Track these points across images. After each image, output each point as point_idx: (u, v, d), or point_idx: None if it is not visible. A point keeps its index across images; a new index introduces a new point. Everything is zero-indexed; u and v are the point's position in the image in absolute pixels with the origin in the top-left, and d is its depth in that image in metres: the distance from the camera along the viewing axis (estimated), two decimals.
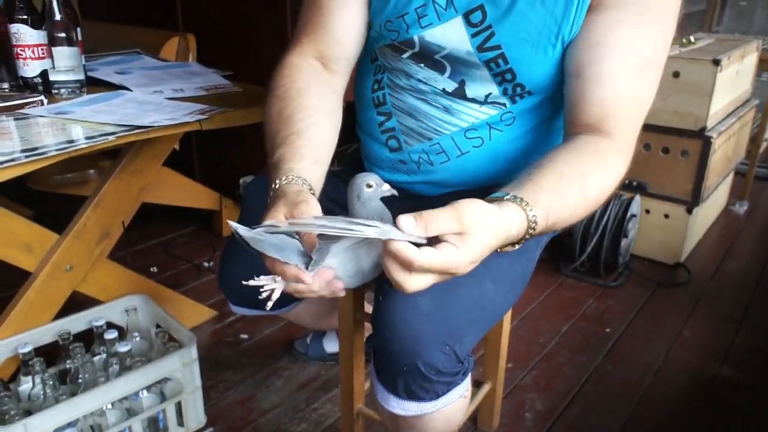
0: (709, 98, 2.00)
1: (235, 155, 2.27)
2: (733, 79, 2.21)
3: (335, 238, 0.66)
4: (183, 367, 1.25)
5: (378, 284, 0.91)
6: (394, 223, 0.59)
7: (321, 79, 0.90)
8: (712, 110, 2.04)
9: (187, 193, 2.15)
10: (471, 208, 0.60)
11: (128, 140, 1.01)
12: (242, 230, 0.64)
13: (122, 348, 1.26)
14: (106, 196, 1.41)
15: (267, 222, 0.67)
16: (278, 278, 0.67)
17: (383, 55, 0.95)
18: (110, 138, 0.98)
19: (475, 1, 0.83)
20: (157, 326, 1.43)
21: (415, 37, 0.88)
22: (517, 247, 0.69)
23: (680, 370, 1.61)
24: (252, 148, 2.22)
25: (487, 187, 1.00)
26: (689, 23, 3.06)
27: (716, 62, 1.96)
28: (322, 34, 0.91)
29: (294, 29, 2.02)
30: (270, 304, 0.68)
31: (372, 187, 0.71)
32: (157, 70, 1.45)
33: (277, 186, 0.74)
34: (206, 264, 2.08)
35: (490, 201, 0.65)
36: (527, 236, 0.67)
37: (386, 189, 0.72)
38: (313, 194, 0.74)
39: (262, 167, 2.33)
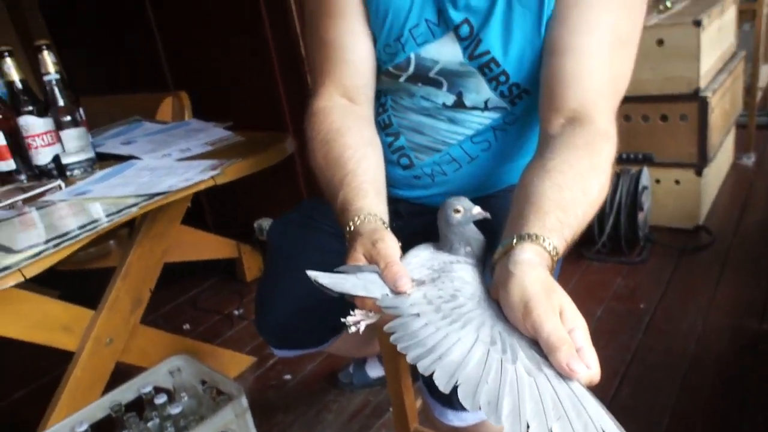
0: (697, 59, 2.01)
1: (245, 201, 2.31)
2: (717, 36, 2.23)
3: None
4: (236, 419, 1.26)
5: None
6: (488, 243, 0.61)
7: (353, 114, 0.93)
8: (703, 70, 2.05)
9: (204, 246, 2.18)
10: (517, 287, 0.57)
11: (150, 208, 1.04)
12: (323, 278, 0.64)
13: (174, 410, 1.28)
14: (132, 265, 1.44)
15: (343, 267, 0.68)
16: (371, 313, 0.67)
17: (380, 81, 0.98)
18: (133, 210, 1.00)
19: (459, 17, 0.87)
20: (203, 382, 1.45)
21: (412, 55, 0.91)
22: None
23: (721, 332, 1.61)
24: (260, 191, 2.25)
25: (503, 189, 1.02)
26: None
27: (697, 23, 1.98)
28: (344, 68, 0.93)
29: (279, 67, 2.06)
30: (353, 329, 0.67)
31: (460, 212, 0.70)
32: (160, 134, 1.48)
33: (352, 228, 0.75)
34: (236, 312, 2.10)
35: (505, 249, 0.64)
36: (555, 263, 0.65)
37: (477, 212, 0.71)
38: (387, 227, 0.75)
39: (272, 208, 2.37)
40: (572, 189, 0.70)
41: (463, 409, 0.86)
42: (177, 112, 1.93)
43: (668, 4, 2.37)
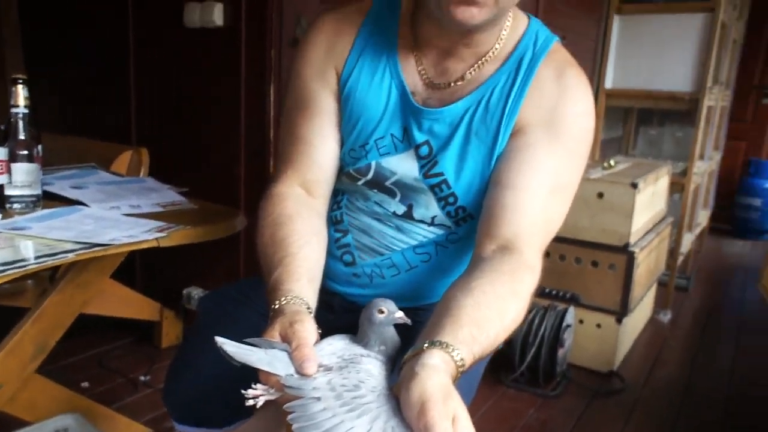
0: (630, 217, 2.19)
1: (179, 265, 2.27)
2: (650, 200, 2.44)
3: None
4: None
5: None
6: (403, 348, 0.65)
7: (307, 205, 0.97)
8: (634, 227, 2.23)
9: (126, 303, 2.11)
10: (418, 387, 0.61)
11: (87, 257, 1.02)
12: (228, 346, 0.66)
13: None
14: (47, 310, 1.38)
15: (255, 339, 0.70)
16: (273, 390, 0.68)
17: (341, 181, 1.04)
18: (69, 256, 0.99)
19: (421, 138, 0.95)
20: None
21: (373, 163, 0.98)
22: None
23: None
24: (196, 260, 2.22)
25: (433, 303, 1.07)
26: (608, 148, 3.38)
27: (634, 185, 2.17)
28: (308, 163, 0.99)
29: (245, 148, 2.11)
30: (251, 402, 0.68)
31: (384, 313, 0.73)
32: (113, 185, 1.48)
33: (277, 306, 0.77)
34: (143, 378, 2.00)
35: (415, 351, 0.67)
36: (459, 374, 0.68)
37: (399, 316, 0.74)
38: (311, 312, 0.77)
39: (205, 278, 2.33)
40: (490, 309, 0.75)
41: None
42: (134, 167, 1.92)
43: (612, 162, 2.60)
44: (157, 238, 1.12)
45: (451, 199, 0.96)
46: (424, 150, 0.95)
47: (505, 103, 0.92)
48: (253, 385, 0.69)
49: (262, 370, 0.67)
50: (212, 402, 1.08)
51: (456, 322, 0.71)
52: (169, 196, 1.46)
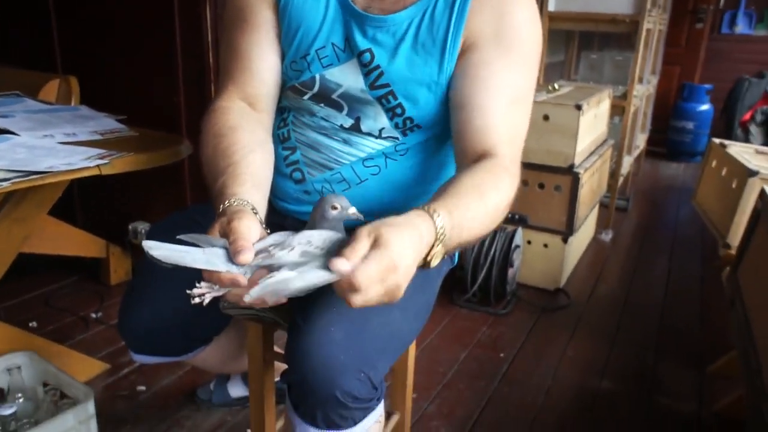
0: (575, 138, 2.24)
1: (122, 199, 2.18)
2: (593, 122, 2.49)
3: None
4: (79, 425, 1.18)
5: (291, 320, 0.93)
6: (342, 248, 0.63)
7: (251, 117, 0.96)
8: (578, 149, 2.28)
9: (69, 240, 2.03)
10: (384, 226, 0.66)
11: (23, 186, 0.96)
12: (157, 249, 0.64)
13: (5, 411, 1.17)
14: None
15: (191, 236, 0.69)
16: (216, 286, 0.67)
17: (287, 97, 1.03)
18: (4, 184, 0.93)
19: (365, 45, 0.94)
20: (45, 384, 1.33)
21: (317, 76, 0.97)
22: (433, 263, 0.73)
23: (567, 388, 1.75)
24: (140, 192, 2.14)
25: (387, 214, 1.07)
26: (552, 72, 3.41)
27: (578, 107, 2.20)
28: (248, 77, 0.98)
29: (183, 74, 2.01)
30: (198, 301, 0.69)
31: (337, 209, 0.73)
32: (42, 113, 1.38)
33: (220, 210, 0.77)
34: (94, 315, 1.96)
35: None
36: (439, 241, 0.71)
37: (352, 212, 0.74)
38: (256, 213, 0.77)
39: (151, 212, 2.26)
40: (470, 192, 0.79)
41: (327, 428, 0.87)
42: (63, 96, 1.80)
43: (556, 86, 2.62)
44: (98, 165, 1.07)
45: (398, 110, 0.96)
46: (366, 57, 0.94)
47: (450, 13, 0.92)
48: (197, 284, 0.69)
49: (201, 269, 0.66)
50: (170, 331, 1.07)
51: (439, 196, 0.76)
52: (107, 123, 1.38)
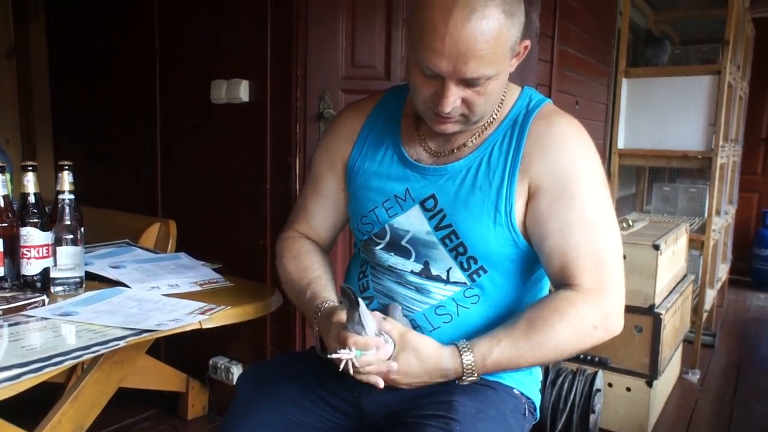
0: (654, 278, 2.19)
1: (204, 335, 2.26)
2: (671, 259, 2.45)
3: None
4: None
5: None
6: None
7: (314, 244, 1.20)
8: (658, 288, 2.23)
9: (154, 375, 2.10)
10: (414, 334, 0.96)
11: (136, 342, 1.04)
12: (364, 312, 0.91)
13: None
14: (85, 389, 1.39)
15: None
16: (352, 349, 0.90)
17: (364, 250, 1.13)
18: (121, 343, 1.01)
19: (427, 191, 1.04)
20: None
21: (387, 226, 1.07)
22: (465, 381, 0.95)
23: None
24: (221, 328, 2.21)
25: None
26: (624, 205, 3.41)
27: (656, 247, 2.18)
28: (306, 227, 1.21)
29: (271, 220, 2.13)
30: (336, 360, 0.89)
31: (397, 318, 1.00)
32: (149, 263, 1.51)
33: (322, 309, 1.02)
34: None
35: None
36: (468, 374, 0.94)
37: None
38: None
39: (231, 348, 2.30)
40: (523, 327, 0.95)
41: None
42: (162, 239, 1.96)
43: (630, 222, 2.62)
44: (200, 321, 1.14)
45: (461, 249, 1.02)
46: (430, 203, 1.04)
47: (505, 158, 1.01)
48: (337, 351, 0.89)
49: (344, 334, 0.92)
50: None
51: (485, 335, 0.97)
52: (205, 273, 1.49)
